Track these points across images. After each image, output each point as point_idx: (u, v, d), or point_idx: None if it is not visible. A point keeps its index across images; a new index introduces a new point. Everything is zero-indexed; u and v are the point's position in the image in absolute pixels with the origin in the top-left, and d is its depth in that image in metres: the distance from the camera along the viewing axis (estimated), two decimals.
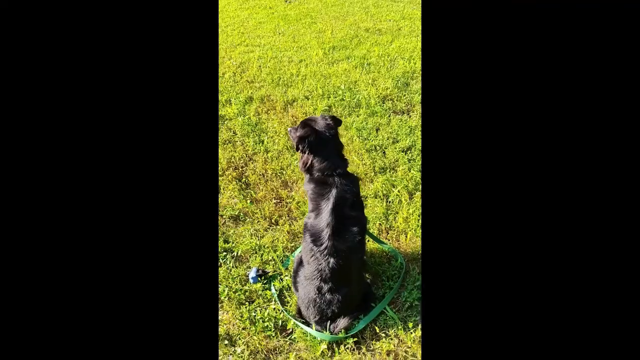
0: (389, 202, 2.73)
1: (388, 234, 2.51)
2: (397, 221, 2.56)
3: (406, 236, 2.44)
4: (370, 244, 2.40)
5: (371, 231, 2.49)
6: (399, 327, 1.93)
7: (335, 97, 4.06)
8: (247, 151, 3.36)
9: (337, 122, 2.07)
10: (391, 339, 1.90)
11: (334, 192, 1.92)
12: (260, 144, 3.42)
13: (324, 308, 1.91)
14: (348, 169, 2.06)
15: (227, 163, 3.21)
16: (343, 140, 3.39)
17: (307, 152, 1.98)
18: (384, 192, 2.80)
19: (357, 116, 3.76)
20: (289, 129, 2.19)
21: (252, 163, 3.23)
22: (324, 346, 1.87)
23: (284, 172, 3.07)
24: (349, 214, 1.93)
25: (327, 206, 1.91)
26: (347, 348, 1.87)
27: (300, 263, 2.07)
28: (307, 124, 2.02)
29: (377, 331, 1.94)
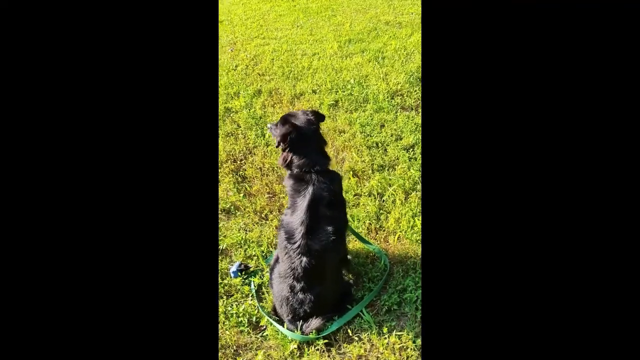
0: (383, 201, 2.63)
1: (377, 234, 2.42)
2: (388, 221, 2.47)
3: (395, 237, 2.35)
4: (357, 244, 2.33)
5: (359, 230, 2.42)
6: (373, 332, 1.86)
7: (344, 92, 3.98)
8: (248, 144, 3.36)
9: (318, 117, 2.01)
10: (363, 343, 1.83)
11: (310, 189, 1.87)
12: (262, 138, 3.40)
13: (296, 307, 1.87)
14: (334, 167, 2.00)
15: (226, 156, 3.22)
16: (345, 136, 3.33)
17: (287, 150, 1.93)
18: (379, 190, 2.71)
19: (364, 111, 3.66)
20: (268, 125, 2.15)
21: (252, 156, 3.22)
22: (293, 346, 1.84)
23: (281, 167, 3.04)
24: (325, 213, 1.87)
25: (302, 203, 1.86)
26: (317, 349, 1.82)
27: (277, 260, 2.04)
28: (287, 120, 1.97)
29: (350, 334, 1.88)
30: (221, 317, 1.99)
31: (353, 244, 2.33)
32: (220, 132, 3.52)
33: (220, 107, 3.88)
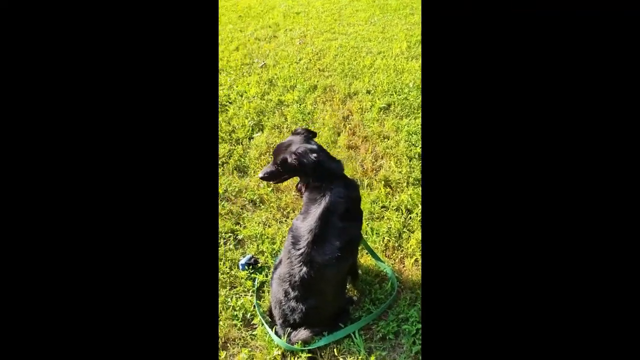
0: (410, 218, 2.46)
1: (394, 252, 2.28)
2: (409, 241, 2.30)
3: (412, 260, 2.18)
4: (369, 259, 2.21)
5: (376, 246, 2.29)
6: (360, 357, 1.76)
7: (399, 95, 3.79)
8: None
9: (309, 133, 1.94)
10: None
11: (327, 198, 1.79)
12: None
13: (287, 313, 1.84)
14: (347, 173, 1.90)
15: (267, 147, 3.26)
16: (388, 142, 3.17)
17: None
18: (409, 206, 2.54)
19: (415, 119, 3.45)
20: (261, 174, 1.96)
21: None
22: (277, 352, 1.81)
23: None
24: (338, 225, 1.78)
25: (316, 211, 1.80)
26: None
27: (280, 261, 2.01)
28: (295, 151, 1.82)
29: (336, 353, 1.80)
30: (219, 307, 2.03)
31: (365, 258, 2.22)
32: (267, 124, 3.57)
33: (274, 99, 3.94)
